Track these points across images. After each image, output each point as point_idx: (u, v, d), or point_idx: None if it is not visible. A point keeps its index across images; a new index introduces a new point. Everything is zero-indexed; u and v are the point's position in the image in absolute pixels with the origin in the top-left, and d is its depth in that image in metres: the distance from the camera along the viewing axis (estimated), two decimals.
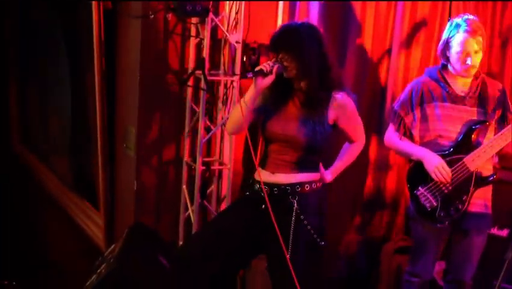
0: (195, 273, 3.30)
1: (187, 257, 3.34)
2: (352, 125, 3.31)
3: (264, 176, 3.27)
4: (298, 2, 4.18)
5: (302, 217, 3.19)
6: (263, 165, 3.31)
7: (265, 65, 3.14)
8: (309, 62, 3.12)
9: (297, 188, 3.21)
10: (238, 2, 3.98)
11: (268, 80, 3.14)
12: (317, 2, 4.20)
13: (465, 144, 3.60)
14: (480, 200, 3.66)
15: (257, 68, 3.15)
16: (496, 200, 3.93)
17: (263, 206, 3.24)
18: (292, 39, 3.13)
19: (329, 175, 3.36)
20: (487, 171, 3.66)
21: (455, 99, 3.63)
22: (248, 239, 3.28)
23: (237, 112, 3.24)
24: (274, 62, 3.14)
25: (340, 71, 3.32)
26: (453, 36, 3.56)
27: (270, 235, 3.20)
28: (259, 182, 3.27)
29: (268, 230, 3.20)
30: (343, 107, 3.21)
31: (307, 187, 3.23)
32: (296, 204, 3.19)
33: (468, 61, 3.53)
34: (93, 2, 4.13)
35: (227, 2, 4.02)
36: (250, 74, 3.15)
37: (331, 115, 3.19)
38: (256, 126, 3.54)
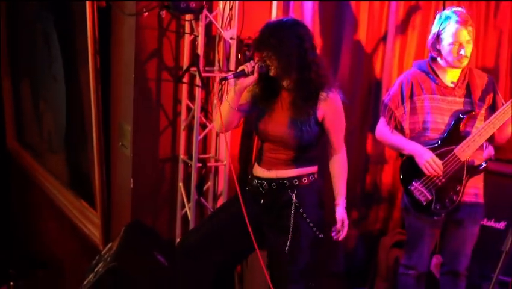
0: (194, 266, 3.33)
1: (186, 251, 3.37)
2: (336, 125, 3.27)
3: (261, 172, 3.31)
4: None
5: (301, 210, 3.22)
6: (259, 161, 3.34)
7: (247, 65, 3.14)
8: (288, 60, 3.11)
9: (295, 181, 3.24)
10: None
11: (250, 80, 3.15)
12: None
13: (454, 135, 3.62)
14: (472, 189, 3.69)
15: (239, 69, 3.16)
16: (492, 193, 3.95)
17: (262, 200, 3.29)
18: (272, 37, 3.10)
19: (341, 209, 3.31)
20: (479, 159, 3.68)
21: (445, 91, 3.65)
22: (246, 233, 3.27)
23: (218, 112, 3.26)
24: (256, 62, 3.14)
25: (324, 70, 3.21)
26: (444, 28, 3.56)
27: (270, 229, 3.26)
28: (257, 178, 3.32)
29: (268, 224, 3.26)
30: (329, 104, 3.19)
31: (305, 180, 3.25)
32: (294, 197, 3.22)
33: (462, 52, 3.54)
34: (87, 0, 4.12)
35: None
36: (230, 77, 3.17)
37: (319, 113, 3.19)
38: (252, 123, 3.55)
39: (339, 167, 3.33)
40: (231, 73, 3.24)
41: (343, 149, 3.34)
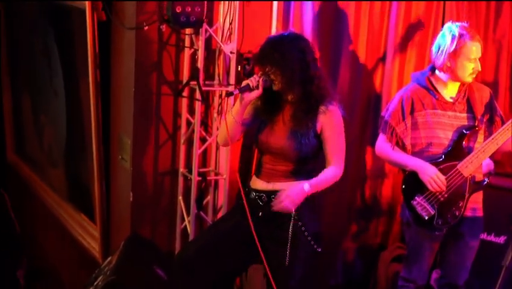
0: (192, 278, 3.32)
1: (184, 263, 3.37)
2: (333, 137, 3.24)
3: (260, 184, 3.32)
4: (292, 11, 4.18)
5: (299, 223, 3.22)
6: (258, 174, 3.36)
7: (251, 79, 3.17)
8: (291, 74, 3.14)
9: None
10: (232, 12, 3.98)
11: (255, 94, 3.18)
12: (310, 10, 4.21)
13: (457, 151, 3.62)
14: (472, 203, 3.68)
15: (243, 84, 3.19)
16: (492, 207, 3.94)
17: (260, 213, 3.28)
18: (275, 52, 3.13)
19: (307, 185, 3.18)
20: (480, 175, 3.68)
21: (445, 106, 3.65)
22: (245, 245, 3.29)
23: (224, 125, 3.29)
24: (260, 76, 3.17)
25: (325, 83, 3.24)
26: (459, 46, 3.53)
27: (268, 242, 3.26)
28: (255, 190, 3.33)
29: (266, 237, 3.26)
30: (328, 117, 3.22)
31: None
32: (293, 210, 3.20)
33: (477, 68, 3.56)
34: (87, 14, 4.12)
35: (221, 13, 4.02)
36: (236, 91, 3.21)
37: (318, 125, 3.22)
38: (252, 136, 3.56)
39: (326, 171, 3.23)
40: (236, 88, 3.25)
41: (338, 162, 3.25)
